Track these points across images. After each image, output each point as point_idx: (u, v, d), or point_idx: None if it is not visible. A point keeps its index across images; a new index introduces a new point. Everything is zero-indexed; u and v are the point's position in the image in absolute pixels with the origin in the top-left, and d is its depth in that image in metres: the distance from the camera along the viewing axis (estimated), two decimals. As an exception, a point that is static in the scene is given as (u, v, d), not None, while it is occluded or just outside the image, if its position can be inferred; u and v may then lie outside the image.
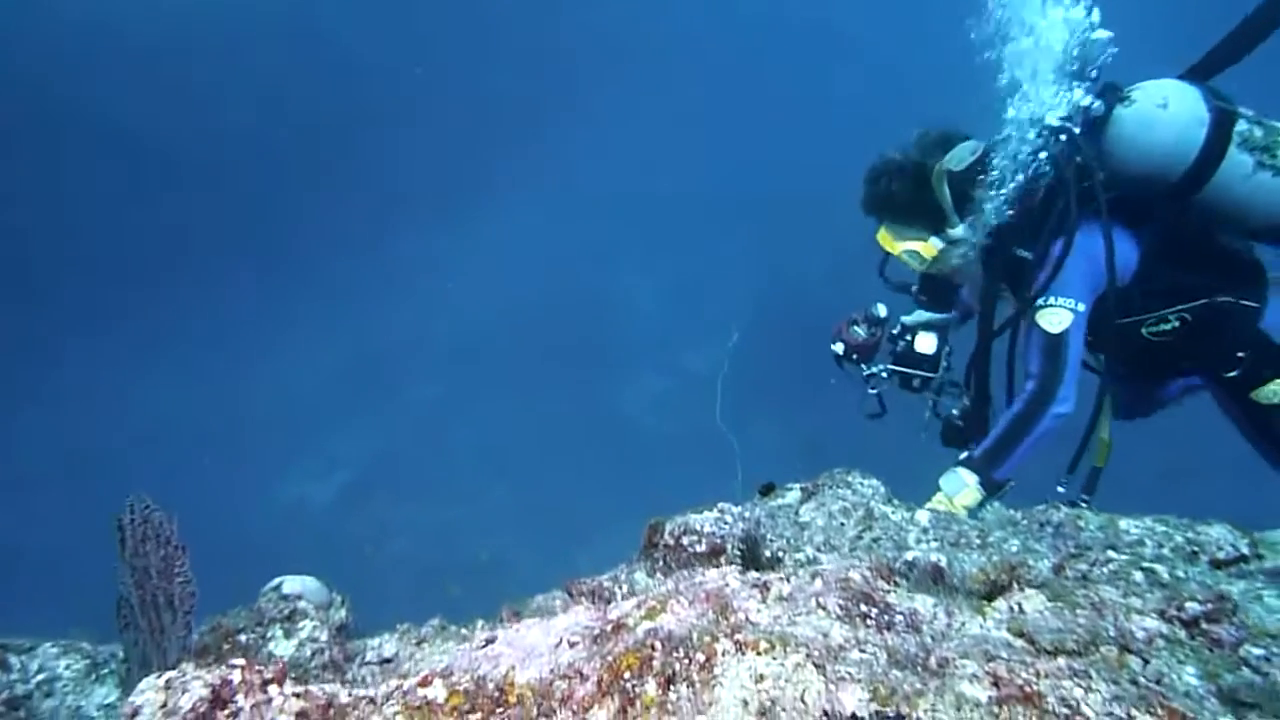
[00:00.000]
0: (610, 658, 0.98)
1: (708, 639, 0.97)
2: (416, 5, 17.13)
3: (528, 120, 17.98)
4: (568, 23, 18.18)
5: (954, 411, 2.71)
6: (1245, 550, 1.36)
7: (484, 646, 1.14)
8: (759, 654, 0.93)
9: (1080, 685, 0.83)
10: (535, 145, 17.95)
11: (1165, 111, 2.28)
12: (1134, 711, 0.80)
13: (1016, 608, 1.06)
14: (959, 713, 0.82)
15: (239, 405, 13.83)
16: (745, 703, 0.88)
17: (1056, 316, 2.35)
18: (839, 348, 2.80)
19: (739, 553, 1.63)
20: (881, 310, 2.80)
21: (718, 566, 1.58)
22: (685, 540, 1.64)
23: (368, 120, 16.55)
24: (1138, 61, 2.43)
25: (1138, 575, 1.20)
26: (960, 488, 2.29)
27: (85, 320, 14.47)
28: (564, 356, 13.86)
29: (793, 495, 1.95)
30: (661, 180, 17.43)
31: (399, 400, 14.31)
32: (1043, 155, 2.36)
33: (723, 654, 0.95)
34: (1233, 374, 2.42)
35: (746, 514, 1.73)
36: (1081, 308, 2.36)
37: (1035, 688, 0.84)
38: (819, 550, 1.67)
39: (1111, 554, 1.30)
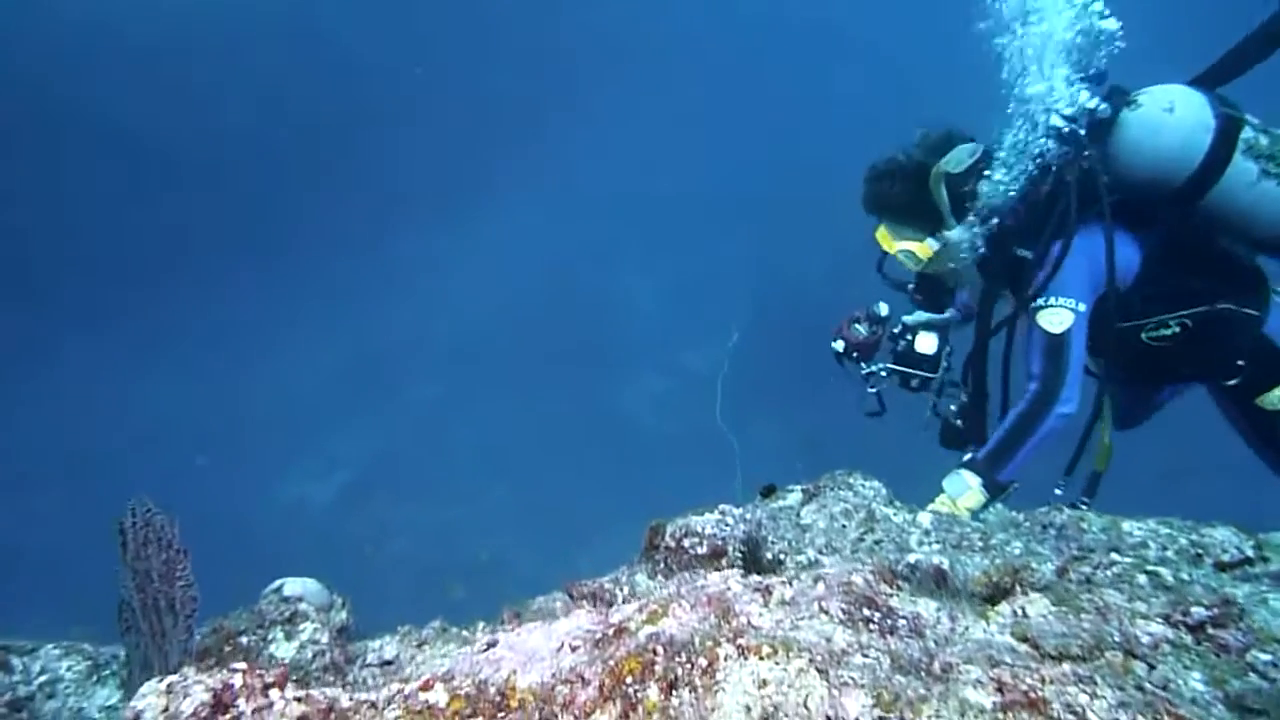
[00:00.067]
0: (612, 662, 0.98)
1: (710, 644, 0.97)
2: (416, 5, 17.12)
3: (528, 120, 17.96)
4: (568, 23, 18.17)
5: (952, 407, 2.71)
6: (1250, 553, 1.36)
7: (485, 650, 1.14)
8: (761, 659, 0.93)
9: (1085, 691, 0.83)
10: (535, 145, 17.93)
11: (1171, 116, 2.28)
12: (1140, 718, 0.80)
13: (1020, 612, 1.06)
14: (963, 719, 0.82)
15: (239, 405, 13.82)
16: (748, 708, 0.88)
17: (1057, 317, 2.34)
18: (839, 345, 2.79)
19: (740, 555, 1.62)
20: (883, 309, 2.80)
21: (719, 569, 1.58)
22: (686, 542, 1.64)
23: (368, 120, 16.53)
24: (1147, 67, 2.43)
25: (1142, 578, 1.19)
26: (963, 489, 2.28)
27: (85, 320, 14.45)
28: (564, 356, 13.86)
29: (794, 497, 1.94)
30: (661, 180, 17.42)
31: (399, 400, 14.31)
32: (1048, 146, 2.36)
33: (725, 659, 0.94)
34: (1233, 382, 2.41)
35: (748, 516, 1.72)
36: (1082, 308, 2.36)
37: (1040, 694, 0.83)
38: (821, 552, 1.67)
39: (1115, 556, 1.29)
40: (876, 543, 1.65)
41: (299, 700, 1.00)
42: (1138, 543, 1.44)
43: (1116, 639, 0.96)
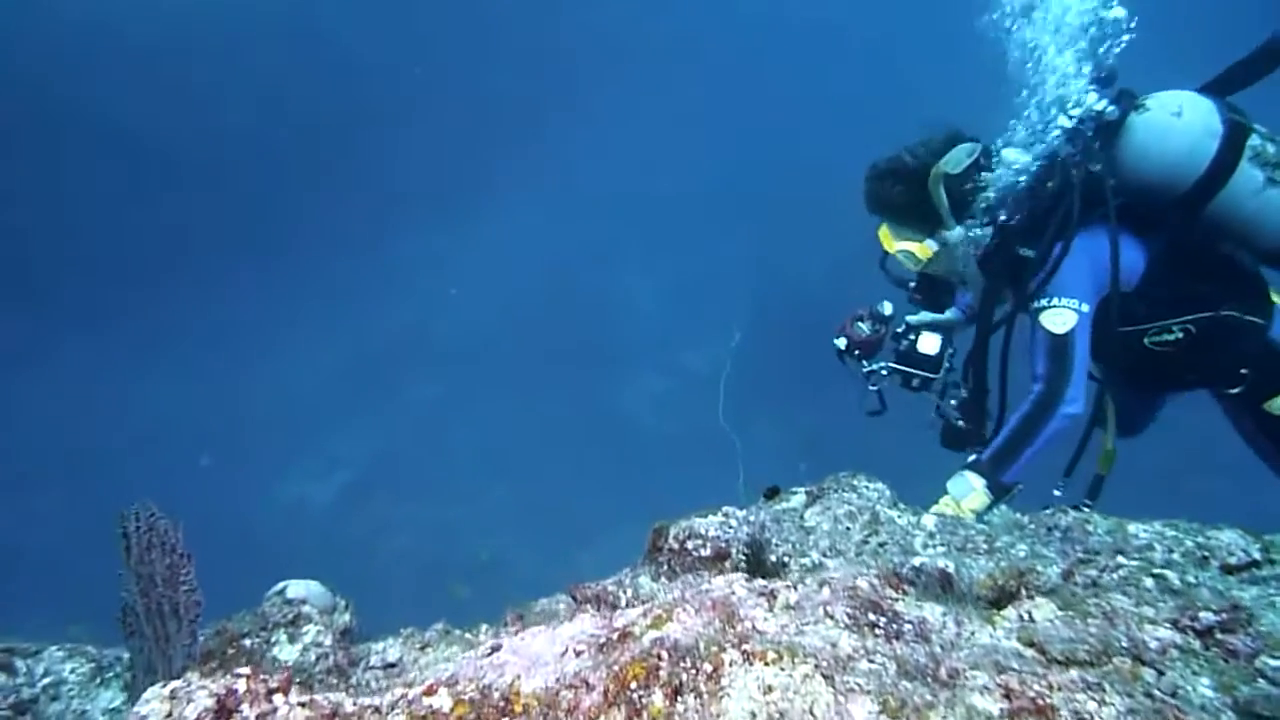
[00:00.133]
0: (616, 667, 0.97)
1: (715, 649, 0.96)
2: (416, 5, 17.11)
3: (528, 120, 17.97)
4: (568, 23, 18.17)
5: (952, 404, 2.70)
6: (1257, 555, 1.35)
7: (489, 654, 1.14)
8: (767, 664, 0.92)
9: (1094, 698, 0.83)
10: (535, 145, 17.94)
11: (1179, 120, 2.28)
12: (1149, 724, 0.79)
13: (1026, 616, 1.06)
14: (971, 725, 0.81)
15: (239, 405, 13.82)
16: (753, 715, 0.87)
17: (1061, 317, 2.34)
18: (841, 343, 2.78)
19: (744, 557, 1.62)
20: (887, 308, 2.79)
21: (722, 571, 1.57)
22: (690, 544, 1.63)
23: (368, 120, 16.53)
24: (1149, 67, 2.43)
25: (1148, 581, 1.19)
26: (967, 491, 2.27)
27: (85, 320, 14.45)
28: (564, 356, 13.86)
29: (797, 499, 1.93)
30: (661, 180, 17.42)
31: (399, 400, 14.30)
32: (1056, 141, 2.35)
33: (730, 664, 0.94)
34: (1236, 390, 2.41)
35: (751, 518, 1.72)
36: (1086, 308, 2.35)
37: (1048, 700, 0.83)
38: (824, 555, 1.66)
39: (1121, 559, 1.29)
40: (881, 545, 1.65)
41: (303, 705, 0.99)
42: (1143, 545, 1.43)
43: (1124, 644, 0.96)
